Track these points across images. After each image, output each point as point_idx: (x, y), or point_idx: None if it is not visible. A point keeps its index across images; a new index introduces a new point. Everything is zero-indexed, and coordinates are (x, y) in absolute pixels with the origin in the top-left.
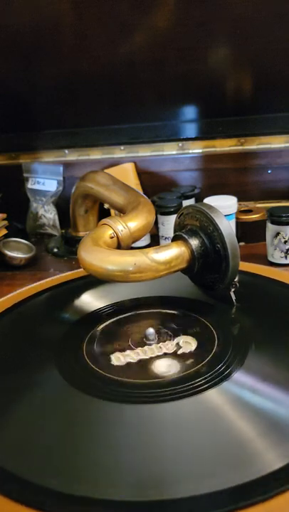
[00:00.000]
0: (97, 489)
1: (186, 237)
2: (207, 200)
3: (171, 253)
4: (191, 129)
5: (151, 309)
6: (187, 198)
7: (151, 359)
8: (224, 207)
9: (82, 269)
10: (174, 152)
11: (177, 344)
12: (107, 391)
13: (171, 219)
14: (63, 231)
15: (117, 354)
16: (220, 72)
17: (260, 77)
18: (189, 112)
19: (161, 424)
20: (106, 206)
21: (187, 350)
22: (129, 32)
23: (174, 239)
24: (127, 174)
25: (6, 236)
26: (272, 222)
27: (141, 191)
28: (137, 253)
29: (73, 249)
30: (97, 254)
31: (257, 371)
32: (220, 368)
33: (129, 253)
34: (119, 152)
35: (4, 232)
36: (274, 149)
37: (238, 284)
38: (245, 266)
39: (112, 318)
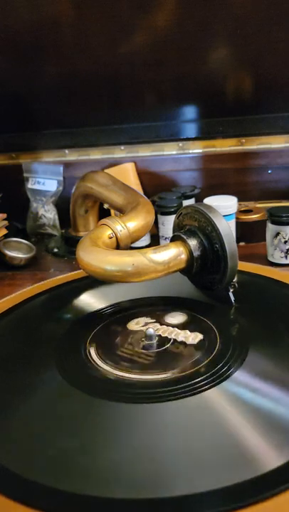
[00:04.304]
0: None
1: (185, 237)
2: (207, 200)
3: (170, 253)
4: (191, 129)
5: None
6: (187, 198)
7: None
8: (224, 207)
9: (82, 270)
10: (174, 152)
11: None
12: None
13: (172, 219)
14: (63, 231)
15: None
16: (220, 72)
17: (260, 77)
18: (189, 112)
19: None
20: (106, 206)
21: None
22: (129, 32)
23: (173, 239)
24: (127, 174)
25: (6, 236)
26: (273, 222)
27: (141, 191)
28: (135, 253)
29: (73, 249)
30: (96, 255)
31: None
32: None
33: (128, 253)
34: (119, 152)
35: (4, 232)
36: (274, 149)
37: (236, 285)
38: (245, 266)
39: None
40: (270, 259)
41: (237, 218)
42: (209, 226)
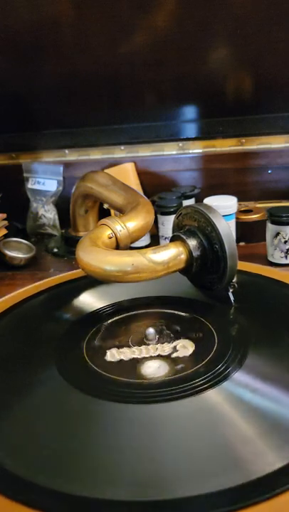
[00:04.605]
0: (96, 489)
1: (184, 237)
2: (207, 200)
3: (169, 253)
4: (191, 129)
5: (151, 309)
6: (187, 198)
7: (144, 359)
8: (224, 207)
9: (81, 270)
10: (174, 152)
11: (174, 348)
12: (106, 391)
13: (172, 219)
14: (63, 231)
15: (113, 351)
16: (220, 72)
17: (260, 77)
18: (189, 111)
19: (161, 424)
20: (106, 206)
21: (181, 355)
22: (129, 32)
23: (172, 239)
24: (127, 174)
25: (6, 236)
26: (272, 222)
27: (141, 191)
28: (134, 253)
29: (73, 249)
30: (95, 255)
31: (256, 371)
32: (219, 368)
33: (127, 253)
34: (119, 152)
35: (4, 232)
36: (274, 149)
37: (236, 285)
38: (245, 266)
39: (112, 318)
40: (270, 259)
41: (237, 218)
42: (209, 226)
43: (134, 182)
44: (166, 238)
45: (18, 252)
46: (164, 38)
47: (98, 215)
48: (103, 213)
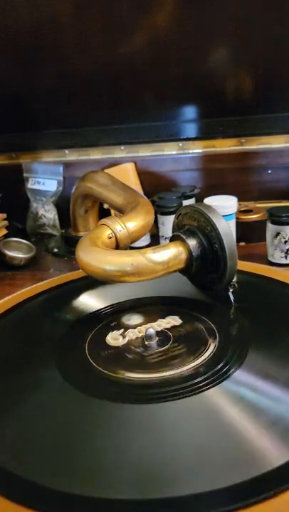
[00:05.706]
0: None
1: (184, 237)
2: (207, 200)
3: (169, 253)
4: (191, 129)
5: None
6: (187, 198)
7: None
8: (224, 207)
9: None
10: (174, 152)
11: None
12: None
13: (171, 219)
14: (63, 231)
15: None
16: (220, 72)
17: (260, 77)
18: (189, 111)
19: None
20: (106, 206)
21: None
22: (129, 32)
23: (172, 239)
24: (127, 174)
25: (6, 236)
26: (273, 222)
27: (141, 191)
28: (134, 253)
29: (73, 249)
30: (95, 255)
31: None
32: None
33: (127, 253)
34: (119, 152)
35: (4, 232)
36: (274, 149)
37: (236, 285)
38: (245, 266)
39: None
40: (270, 259)
41: (237, 218)
42: (208, 226)
43: (134, 182)
44: (166, 238)
45: (18, 252)
46: (164, 38)
47: (98, 215)
48: (103, 213)
